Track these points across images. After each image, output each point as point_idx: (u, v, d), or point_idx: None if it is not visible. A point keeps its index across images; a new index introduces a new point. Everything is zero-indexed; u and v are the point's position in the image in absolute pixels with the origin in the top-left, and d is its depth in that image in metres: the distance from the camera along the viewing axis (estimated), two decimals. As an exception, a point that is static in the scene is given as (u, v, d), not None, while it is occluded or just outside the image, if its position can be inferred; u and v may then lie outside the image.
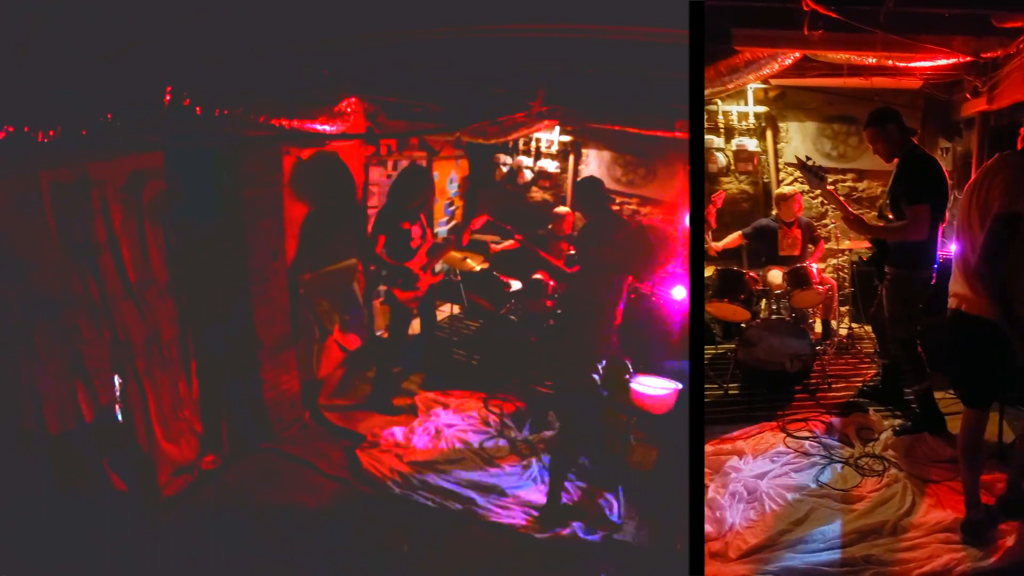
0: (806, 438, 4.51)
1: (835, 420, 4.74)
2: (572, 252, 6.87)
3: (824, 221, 7.25)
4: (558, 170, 8.37)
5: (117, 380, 4.01)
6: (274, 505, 4.29)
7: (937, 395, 4.66)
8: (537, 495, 4.46)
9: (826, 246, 6.42)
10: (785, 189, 6.35)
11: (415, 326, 6.09)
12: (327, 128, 4.54)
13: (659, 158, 7.68)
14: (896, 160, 4.37)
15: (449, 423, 5.32)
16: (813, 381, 5.39)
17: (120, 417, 3.98)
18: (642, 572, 3.94)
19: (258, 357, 4.89)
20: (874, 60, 4.57)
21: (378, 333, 6.65)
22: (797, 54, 4.54)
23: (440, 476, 4.60)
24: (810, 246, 6.33)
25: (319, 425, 5.34)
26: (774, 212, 6.30)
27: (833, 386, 5.38)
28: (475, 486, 4.51)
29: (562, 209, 7.03)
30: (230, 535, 3.95)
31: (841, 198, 4.53)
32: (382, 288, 6.52)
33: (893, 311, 4.46)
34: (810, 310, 6.16)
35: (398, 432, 5.13)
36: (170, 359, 4.67)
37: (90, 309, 4.07)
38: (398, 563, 3.85)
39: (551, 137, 8.15)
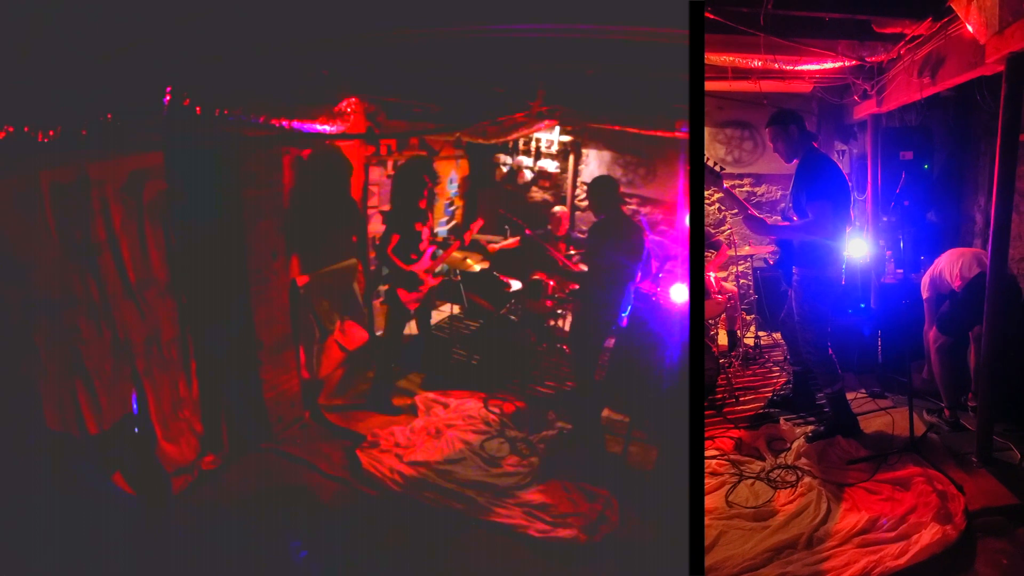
0: (713, 457, 4.36)
1: (744, 434, 4.63)
2: (573, 252, 6.89)
3: (723, 228, 7.17)
4: (558, 170, 8.37)
5: (135, 395, 4.01)
6: (274, 505, 4.29)
7: (849, 396, 4.66)
8: (537, 495, 4.46)
9: (728, 252, 6.26)
10: None
11: (412, 326, 6.09)
12: (327, 128, 4.55)
13: (659, 158, 7.68)
14: (796, 162, 4.40)
15: (449, 423, 5.32)
16: (719, 396, 5.26)
17: (137, 429, 3.98)
18: (642, 572, 3.94)
19: (258, 357, 4.89)
20: (759, 63, 4.58)
21: (378, 333, 6.65)
22: None
23: (440, 476, 4.59)
24: (710, 252, 6.18)
25: (319, 425, 5.34)
26: None
27: (741, 399, 5.25)
28: (475, 486, 4.51)
29: (559, 209, 7.03)
30: (230, 535, 3.95)
31: (741, 199, 4.51)
32: (382, 288, 6.53)
33: (803, 313, 4.44)
34: (712, 321, 5.99)
35: (398, 432, 5.13)
36: (170, 359, 4.67)
37: (90, 309, 4.07)
38: (398, 563, 3.85)
39: (551, 137, 8.15)
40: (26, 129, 2.73)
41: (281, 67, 4.09)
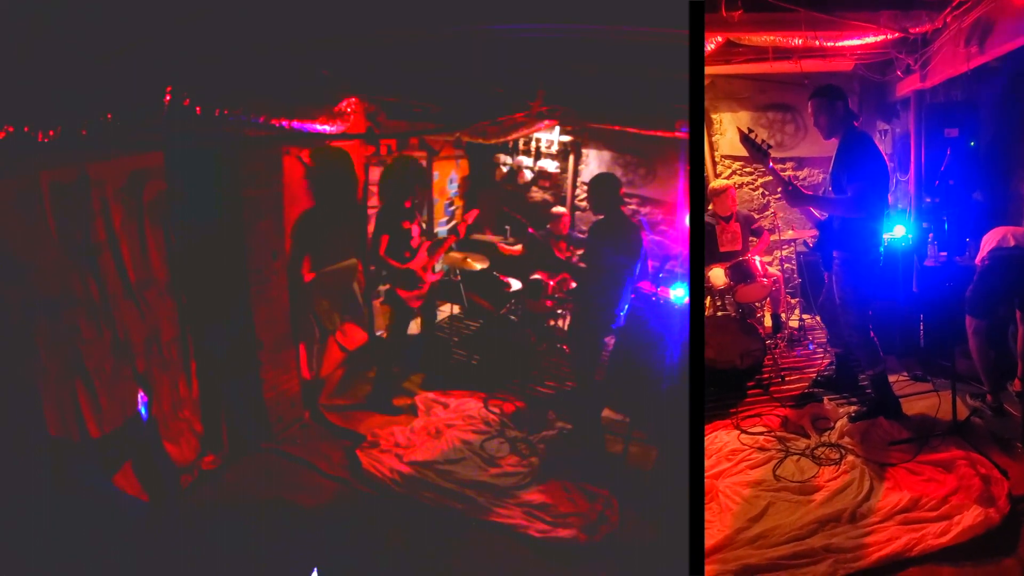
0: (761, 433, 4.46)
1: (790, 412, 4.71)
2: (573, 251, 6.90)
3: (766, 213, 7.15)
4: (558, 170, 8.37)
5: (141, 395, 4.00)
6: (274, 505, 4.28)
7: (891, 378, 4.67)
8: (537, 495, 4.46)
9: (771, 237, 6.24)
10: (717, 183, 6.16)
11: (414, 326, 6.09)
12: (327, 128, 4.54)
13: (659, 158, 7.68)
14: (835, 141, 4.35)
15: (449, 423, 5.32)
16: (765, 376, 5.35)
17: (143, 430, 3.98)
18: (642, 572, 3.94)
19: (258, 357, 4.89)
20: (800, 41, 4.49)
21: (378, 333, 6.65)
22: (719, 38, 4.45)
23: (440, 476, 4.60)
24: (752, 239, 6.20)
25: (319, 425, 5.34)
26: (710, 207, 6.06)
27: (786, 379, 5.35)
28: (475, 486, 4.51)
29: (559, 209, 7.03)
30: (230, 535, 3.95)
31: (781, 174, 4.47)
32: (382, 288, 6.53)
33: (844, 296, 4.44)
34: (757, 304, 6.05)
35: (398, 432, 5.13)
36: (170, 359, 4.67)
37: (90, 309, 4.07)
38: (398, 563, 3.85)
39: (551, 137, 8.15)
40: (26, 129, 2.73)
41: (281, 67, 4.09)
